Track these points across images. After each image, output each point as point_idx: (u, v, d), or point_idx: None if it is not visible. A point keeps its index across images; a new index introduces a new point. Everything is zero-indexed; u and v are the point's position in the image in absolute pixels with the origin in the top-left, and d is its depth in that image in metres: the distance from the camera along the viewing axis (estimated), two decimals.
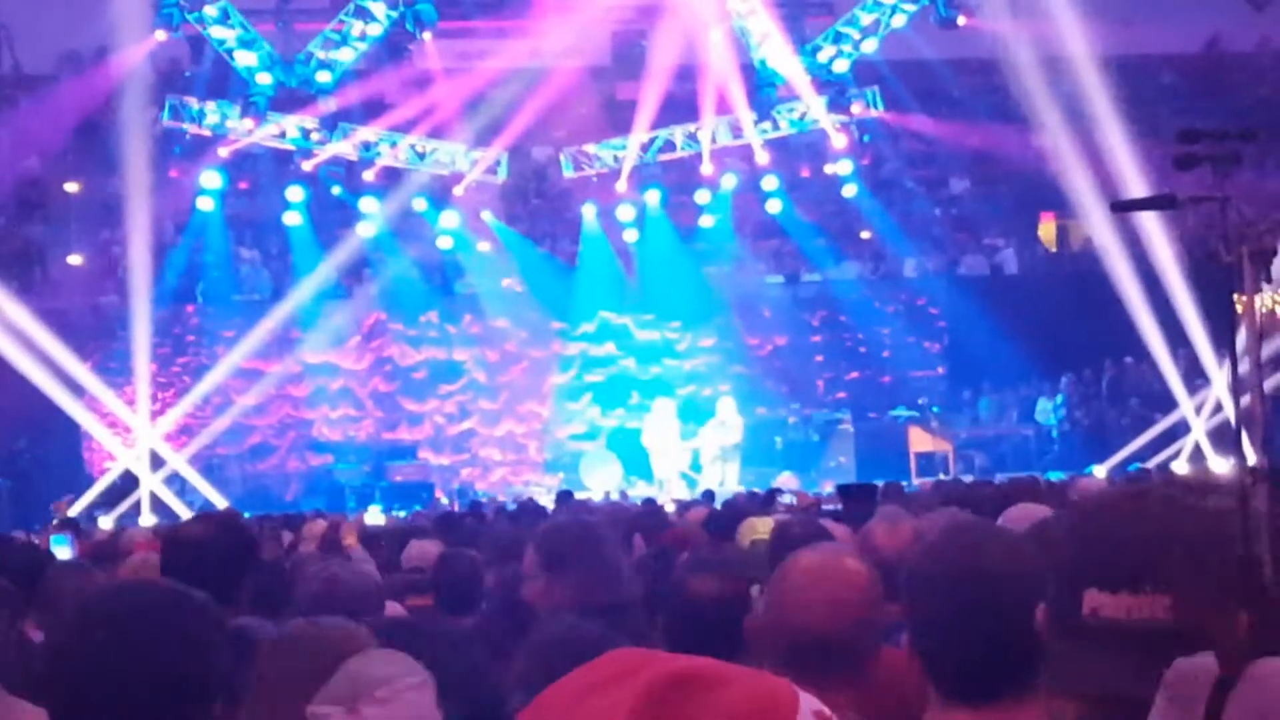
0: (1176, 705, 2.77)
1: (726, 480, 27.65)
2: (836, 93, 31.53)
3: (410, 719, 3.42)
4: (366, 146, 31.32)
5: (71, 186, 31.40)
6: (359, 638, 3.92)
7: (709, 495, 21.22)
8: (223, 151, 30.34)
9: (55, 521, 14.67)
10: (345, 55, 30.44)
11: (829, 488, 23.22)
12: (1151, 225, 27.11)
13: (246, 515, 14.38)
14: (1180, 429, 27.87)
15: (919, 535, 6.57)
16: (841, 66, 31.49)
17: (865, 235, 33.25)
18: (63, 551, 11.37)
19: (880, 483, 18.56)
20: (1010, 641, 3.16)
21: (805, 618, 3.89)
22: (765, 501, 15.44)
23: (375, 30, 30.35)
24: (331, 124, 30.75)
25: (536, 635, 4.84)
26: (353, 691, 3.41)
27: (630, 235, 31.86)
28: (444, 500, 27.41)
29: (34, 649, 5.55)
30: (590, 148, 32.87)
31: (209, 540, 5.71)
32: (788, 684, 1.85)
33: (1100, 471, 24.54)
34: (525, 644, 4.77)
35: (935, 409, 30.48)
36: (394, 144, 31.41)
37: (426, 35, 31.04)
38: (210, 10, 29.40)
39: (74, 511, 23.11)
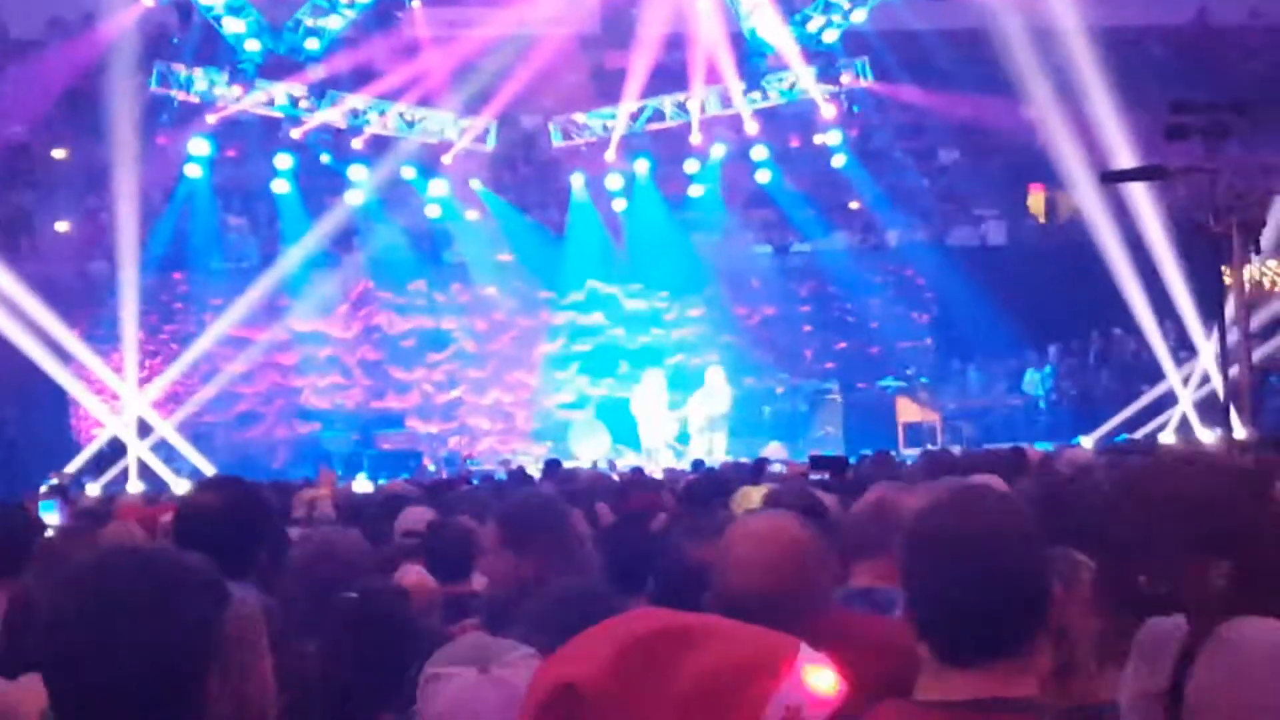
0: (1146, 663, 2.81)
1: (714, 450, 27.71)
2: (826, 63, 31.55)
3: None
4: (355, 114, 31.25)
5: (59, 153, 31.35)
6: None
7: (699, 465, 21.26)
8: (211, 119, 30.24)
9: (45, 487, 14.66)
10: (334, 22, 30.37)
11: None
12: (1140, 197, 27.17)
13: None
14: (1167, 400, 27.96)
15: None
16: (831, 36, 31.50)
17: (854, 206, 33.27)
18: (51, 517, 11.37)
19: (868, 451, 18.67)
20: (1006, 603, 3.19)
21: (744, 578, 3.99)
22: (753, 471, 15.44)
23: None
24: (320, 91, 30.69)
25: (541, 599, 4.86)
26: (479, 655, 3.54)
27: (619, 204, 31.85)
28: (431, 468, 27.45)
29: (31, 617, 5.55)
30: (579, 116, 32.84)
31: (224, 508, 5.62)
32: (787, 641, 1.87)
33: (1087, 442, 24.61)
34: (527, 609, 4.79)
35: (923, 379, 30.57)
36: (383, 112, 31.35)
37: (415, 3, 31.08)
38: None
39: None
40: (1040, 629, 3.23)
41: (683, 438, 28.77)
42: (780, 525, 4.23)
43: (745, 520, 4.32)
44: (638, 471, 18.37)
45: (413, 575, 6.77)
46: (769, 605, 3.87)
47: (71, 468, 25.21)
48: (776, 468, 18.34)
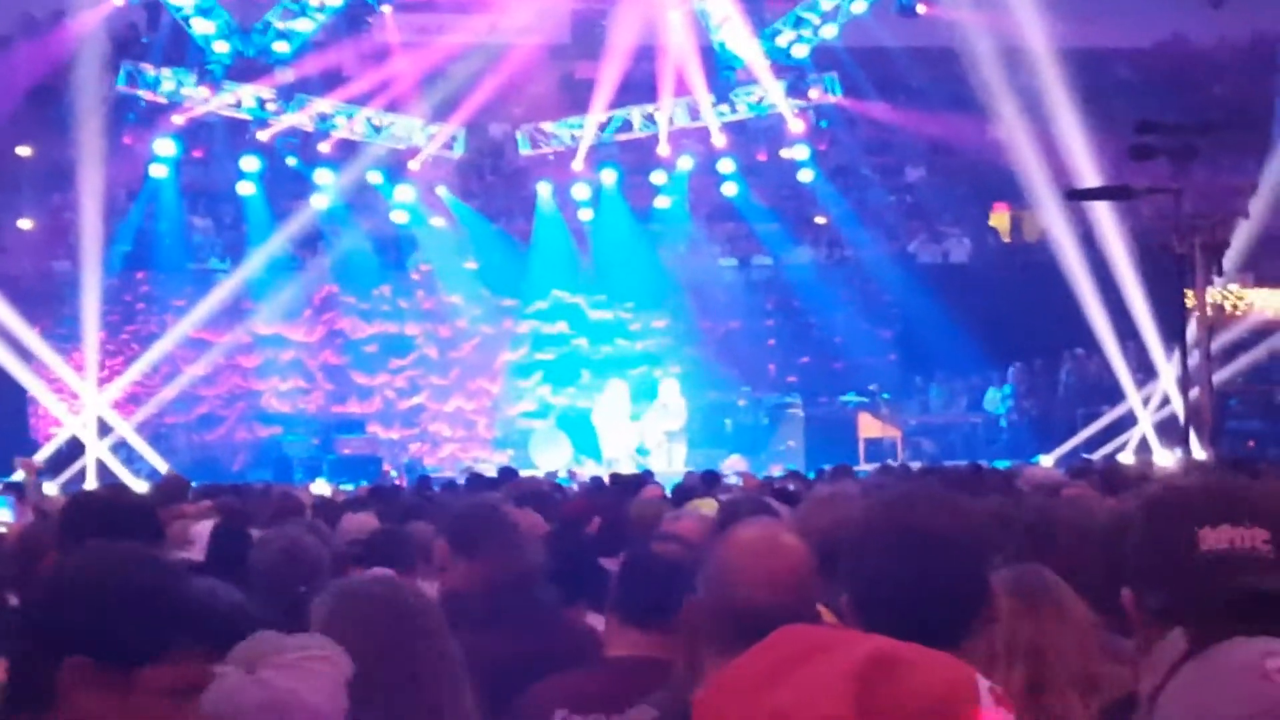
0: (1156, 665, 2.88)
1: (673, 462, 27.66)
2: (795, 77, 31.64)
3: (309, 688, 3.45)
4: (323, 118, 31.20)
5: (24, 150, 31.19)
6: None
7: (649, 474, 21.20)
8: (177, 119, 30.19)
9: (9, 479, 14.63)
10: (304, 26, 30.34)
11: (778, 470, 23.26)
12: (1104, 217, 27.29)
13: (194, 484, 14.34)
14: (1127, 421, 28.06)
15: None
16: (801, 51, 31.59)
17: (820, 221, 33.33)
18: (4, 514, 11.32)
19: (828, 466, 18.71)
20: (950, 598, 3.22)
21: (750, 593, 3.88)
22: (708, 483, 15.38)
23: (335, 1, 30.24)
24: (288, 94, 30.65)
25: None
26: (256, 653, 3.45)
27: (585, 214, 31.86)
28: (392, 474, 27.38)
29: None
30: (547, 126, 32.83)
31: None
32: (963, 663, 1.90)
33: (1047, 461, 24.69)
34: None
35: (885, 395, 30.55)
36: (350, 116, 31.29)
37: (386, 8, 31.04)
38: None
39: (19, 476, 22.97)
40: (973, 629, 3.25)
41: (643, 449, 28.76)
42: (777, 535, 4.17)
43: (738, 531, 4.20)
44: (597, 480, 18.28)
45: None
46: (775, 618, 3.83)
47: (36, 459, 25.04)
48: (732, 479, 18.34)
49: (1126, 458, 26.23)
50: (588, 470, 27.11)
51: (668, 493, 12.67)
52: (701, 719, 1.92)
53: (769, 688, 1.85)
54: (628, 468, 27.08)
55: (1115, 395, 28.59)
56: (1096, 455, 25.67)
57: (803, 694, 1.81)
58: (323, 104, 31.13)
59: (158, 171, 30.08)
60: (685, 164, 31.96)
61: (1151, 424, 27.45)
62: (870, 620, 3.28)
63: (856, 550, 3.41)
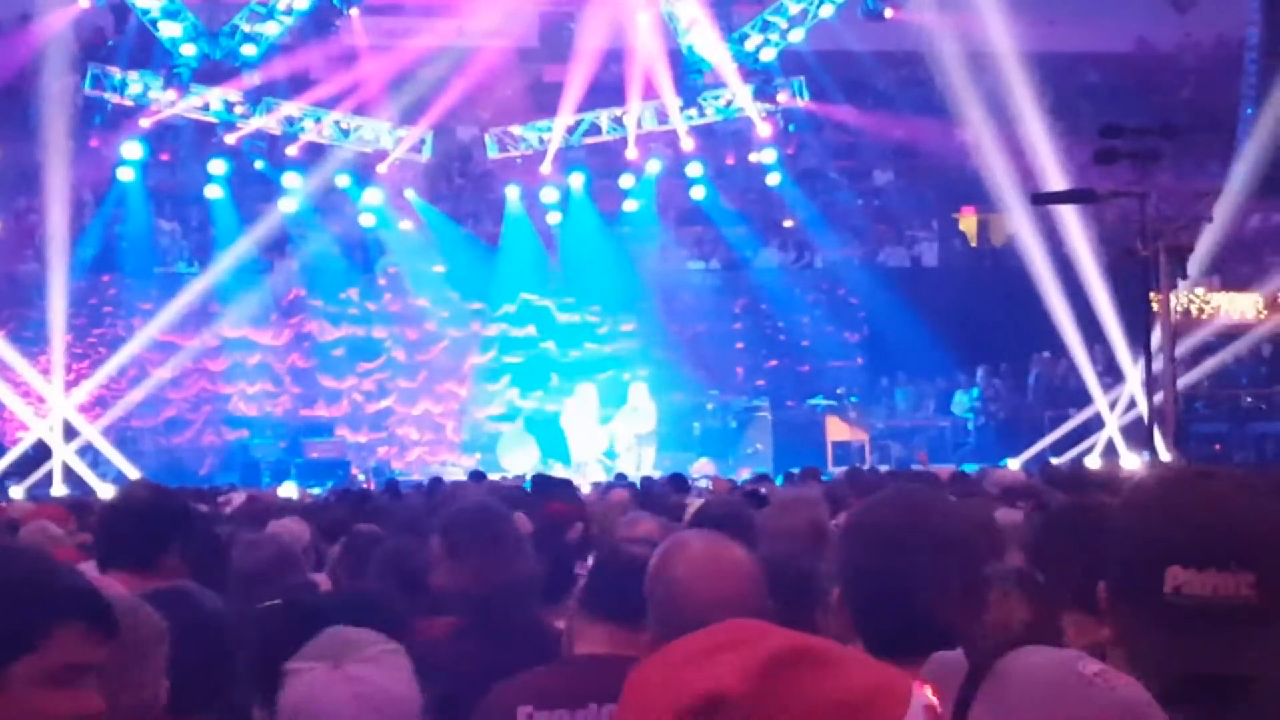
0: (941, 687, 2.83)
1: (642, 466, 27.70)
2: (762, 81, 31.67)
3: (395, 680, 3.53)
4: (290, 121, 31.13)
5: None
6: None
7: (622, 477, 21.24)
8: (144, 122, 30.08)
9: None
10: (271, 29, 30.26)
11: (746, 474, 23.30)
12: (1071, 221, 27.39)
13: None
14: (1094, 424, 28.15)
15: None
16: (768, 55, 31.63)
17: (788, 224, 33.38)
18: None
19: (795, 470, 18.74)
20: (944, 598, 3.21)
21: (699, 618, 3.81)
22: (676, 486, 15.36)
23: (302, 4, 30.17)
24: (255, 98, 30.58)
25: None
26: (337, 650, 3.54)
27: (553, 218, 31.86)
28: (360, 478, 27.34)
29: None
30: (515, 129, 32.80)
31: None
32: (903, 675, 1.90)
33: (1014, 464, 24.75)
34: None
35: (853, 398, 30.64)
36: (318, 119, 31.22)
37: (354, 11, 30.94)
38: None
39: None
40: (964, 630, 3.24)
41: (611, 453, 28.77)
42: (725, 550, 4.14)
43: (683, 547, 4.16)
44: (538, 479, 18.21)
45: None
46: None
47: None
48: (703, 483, 18.35)
49: (1093, 461, 26.32)
50: (555, 474, 27.10)
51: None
52: (629, 689, 1.95)
53: (692, 666, 1.87)
54: (597, 471, 27.15)
55: (1082, 398, 28.69)
56: (1063, 458, 25.74)
57: (715, 671, 1.84)
58: (290, 107, 31.06)
59: (124, 174, 29.98)
60: (653, 167, 31.98)
61: (1118, 427, 27.52)
62: (860, 616, 3.29)
63: (848, 545, 3.41)
